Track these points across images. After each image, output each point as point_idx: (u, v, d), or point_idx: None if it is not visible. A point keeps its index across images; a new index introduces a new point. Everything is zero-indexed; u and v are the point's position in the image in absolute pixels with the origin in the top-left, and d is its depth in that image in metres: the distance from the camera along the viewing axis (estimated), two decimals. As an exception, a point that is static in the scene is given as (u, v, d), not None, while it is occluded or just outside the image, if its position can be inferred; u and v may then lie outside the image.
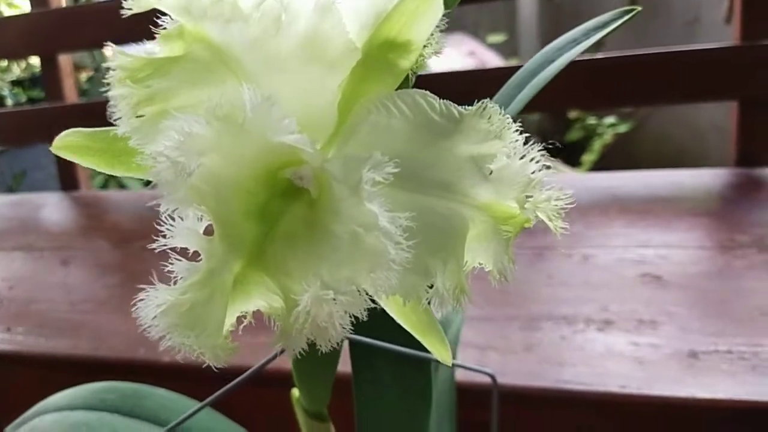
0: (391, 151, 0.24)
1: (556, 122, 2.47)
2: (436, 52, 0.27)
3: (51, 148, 0.28)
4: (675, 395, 0.60)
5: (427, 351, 0.47)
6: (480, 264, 0.26)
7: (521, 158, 0.25)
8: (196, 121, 0.22)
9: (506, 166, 0.25)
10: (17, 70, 2.73)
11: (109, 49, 0.25)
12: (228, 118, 0.23)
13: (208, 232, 0.25)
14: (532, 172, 0.24)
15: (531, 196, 0.24)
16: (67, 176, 1.42)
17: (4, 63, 2.62)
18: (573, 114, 2.24)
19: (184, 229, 0.24)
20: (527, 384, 0.63)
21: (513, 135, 0.25)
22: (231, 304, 0.25)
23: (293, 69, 0.25)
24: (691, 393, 0.60)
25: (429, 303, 0.26)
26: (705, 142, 2.23)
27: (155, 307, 0.23)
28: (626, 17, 0.41)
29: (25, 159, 2.36)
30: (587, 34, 0.41)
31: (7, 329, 0.89)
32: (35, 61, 2.63)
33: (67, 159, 0.28)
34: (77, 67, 2.43)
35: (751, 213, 0.90)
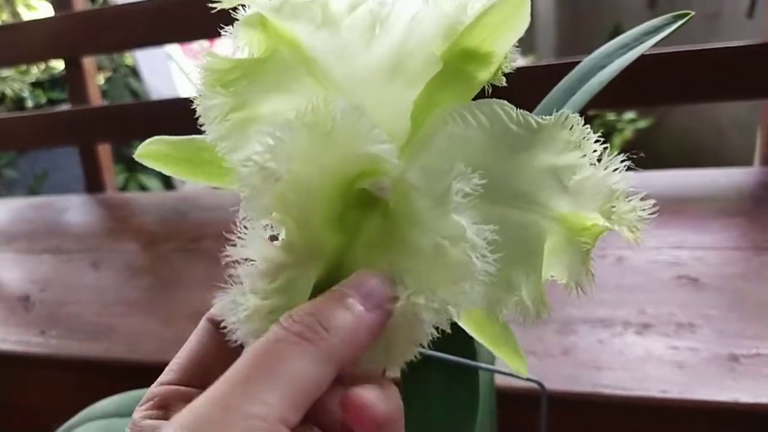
0: (469, 162, 0.24)
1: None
2: (512, 64, 0.26)
3: (135, 156, 0.28)
4: (717, 400, 0.59)
5: (472, 358, 0.47)
6: (552, 276, 0.26)
7: (603, 169, 0.24)
8: (285, 126, 0.22)
9: (588, 177, 0.24)
10: (36, 71, 2.75)
11: (199, 51, 0.25)
12: (317, 125, 0.23)
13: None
14: (615, 183, 0.24)
15: (615, 207, 0.24)
16: (92, 178, 1.43)
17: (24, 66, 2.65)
18: (592, 110, 2.22)
19: (256, 238, 0.24)
20: (566, 389, 0.63)
21: (593, 145, 0.25)
22: None
23: (376, 79, 0.25)
24: (734, 398, 0.59)
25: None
26: (726, 137, 2.21)
27: (240, 311, 0.23)
28: (679, 23, 0.40)
29: (47, 160, 2.38)
30: (639, 39, 0.41)
31: (41, 332, 0.89)
32: (55, 62, 2.65)
33: (149, 166, 0.29)
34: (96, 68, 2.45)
35: (785, 213, 0.89)
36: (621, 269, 0.78)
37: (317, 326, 0.22)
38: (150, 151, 0.29)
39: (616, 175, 0.24)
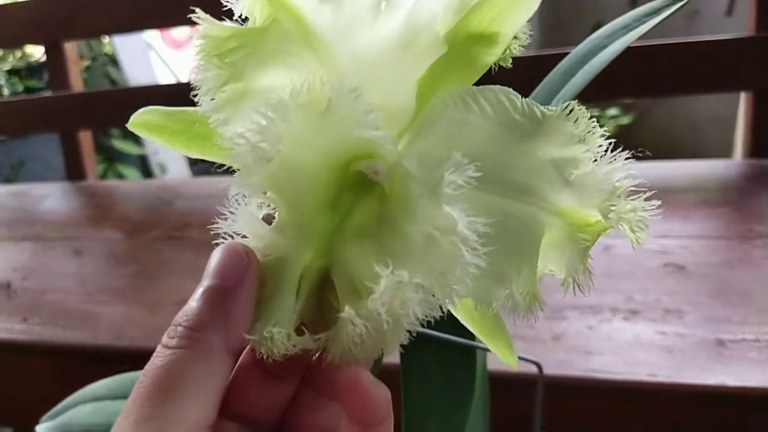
0: (469, 149, 0.23)
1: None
2: (523, 46, 0.25)
3: (128, 125, 0.28)
4: (705, 383, 0.60)
5: (469, 338, 0.47)
6: (551, 271, 0.25)
7: (606, 165, 0.23)
8: (278, 105, 0.22)
9: (591, 172, 0.24)
10: (12, 59, 2.69)
11: (199, 19, 0.24)
12: (311, 105, 0.22)
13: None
14: (617, 180, 0.23)
15: (615, 206, 0.23)
16: (73, 165, 1.40)
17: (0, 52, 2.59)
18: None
19: (247, 214, 0.24)
20: (557, 373, 0.63)
21: (598, 139, 0.24)
22: (296, 296, 0.24)
23: (379, 58, 0.24)
24: (721, 381, 0.60)
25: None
26: (704, 133, 2.24)
27: None
28: (680, 4, 0.40)
29: (23, 149, 2.33)
30: (640, 20, 0.41)
31: (23, 320, 0.88)
32: (32, 50, 2.60)
33: (142, 136, 0.28)
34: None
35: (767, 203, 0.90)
36: (609, 257, 0.79)
37: (188, 332, 0.23)
38: (144, 120, 0.28)
39: (618, 172, 0.23)
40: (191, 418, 0.22)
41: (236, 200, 0.24)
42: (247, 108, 0.24)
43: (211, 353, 0.23)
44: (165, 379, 0.22)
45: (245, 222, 0.24)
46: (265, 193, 0.24)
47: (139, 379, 0.22)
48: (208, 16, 0.24)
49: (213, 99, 0.24)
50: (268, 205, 0.24)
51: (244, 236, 0.24)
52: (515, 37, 0.25)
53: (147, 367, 0.23)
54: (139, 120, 0.28)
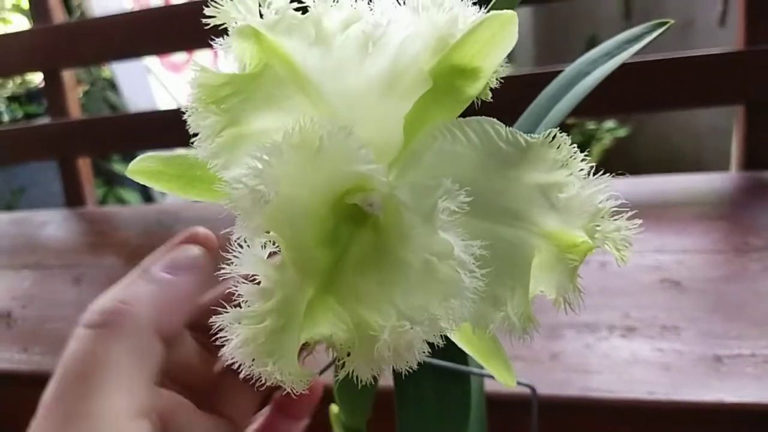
0: (458, 178, 0.24)
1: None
2: (500, 79, 0.27)
3: (127, 172, 0.29)
4: (703, 400, 0.60)
5: (464, 363, 0.47)
6: (541, 292, 0.26)
7: (590, 187, 0.25)
8: (273, 149, 0.23)
9: (575, 195, 0.25)
10: (12, 85, 2.71)
11: (193, 68, 0.25)
12: (304, 145, 0.23)
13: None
14: (600, 202, 0.24)
15: (599, 226, 0.24)
16: (72, 192, 1.41)
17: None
18: (570, 119, 2.25)
19: (252, 256, 0.24)
20: (555, 393, 0.63)
21: (580, 164, 0.25)
22: (300, 332, 0.25)
23: (367, 96, 0.25)
24: (719, 398, 0.60)
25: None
26: (703, 144, 2.25)
27: (236, 337, 0.24)
28: (660, 30, 0.41)
29: (24, 176, 2.35)
30: (621, 47, 0.42)
31: (23, 349, 0.88)
32: (32, 76, 2.62)
33: (141, 183, 0.29)
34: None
35: (763, 216, 0.90)
36: (604, 274, 0.79)
37: (117, 304, 0.21)
38: (142, 167, 0.29)
39: (601, 194, 0.25)
40: (125, 408, 0.19)
41: (239, 244, 0.24)
42: (245, 151, 0.24)
43: (144, 329, 0.21)
44: (86, 367, 0.20)
45: (251, 264, 0.24)
46: (268, 232, 0.24)
47: (56, 371, 0.20)
48: (203, 64, 0.25)
49: (211, 144, 0.25)
50: (273, 244, 0.25)
51: (252, 278, 0.25)
52: (495, 71, 0.26)
53: (64, 354, 0.20)
54: (137, 167, 0.29)
